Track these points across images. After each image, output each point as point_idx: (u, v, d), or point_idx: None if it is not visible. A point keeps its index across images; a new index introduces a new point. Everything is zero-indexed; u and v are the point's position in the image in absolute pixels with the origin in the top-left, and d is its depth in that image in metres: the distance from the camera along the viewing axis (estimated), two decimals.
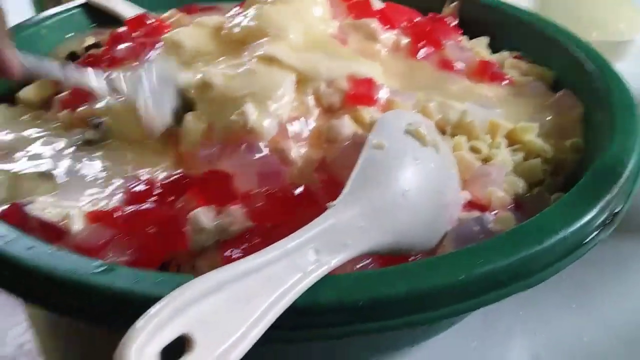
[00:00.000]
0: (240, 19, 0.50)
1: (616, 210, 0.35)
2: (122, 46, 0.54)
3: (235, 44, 0.49)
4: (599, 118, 0.44)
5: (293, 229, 0.31)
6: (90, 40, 0.61)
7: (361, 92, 0.43)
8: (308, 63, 0.44)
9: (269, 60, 0.44)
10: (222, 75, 0.43)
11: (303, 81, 0.43)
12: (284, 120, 0.41)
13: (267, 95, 0.41)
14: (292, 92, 0.42)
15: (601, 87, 0.46)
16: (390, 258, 0.34)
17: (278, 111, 0.40)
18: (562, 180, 0.43)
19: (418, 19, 0.58)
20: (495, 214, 0.39)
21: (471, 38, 0.60)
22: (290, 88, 0.42)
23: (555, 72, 0.53)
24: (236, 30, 0.49)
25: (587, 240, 0.34)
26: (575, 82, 0.50)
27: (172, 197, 0.37)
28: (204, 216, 0.36)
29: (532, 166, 0.43)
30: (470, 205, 0.39)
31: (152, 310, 0.23)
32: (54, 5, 0.67)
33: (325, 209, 0.32)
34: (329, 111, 0.43)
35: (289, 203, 0.37)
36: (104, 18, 0.65)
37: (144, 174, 0.40)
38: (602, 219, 0.34)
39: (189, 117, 0.43)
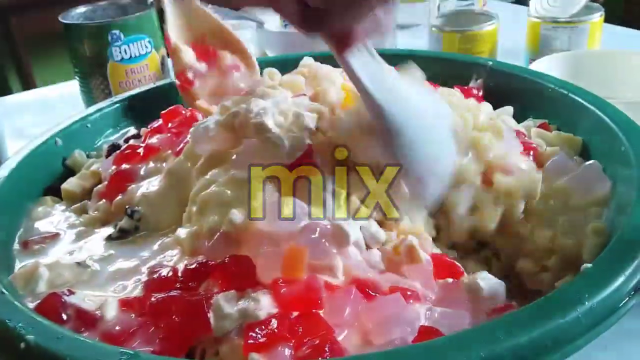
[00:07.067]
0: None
1: None
2: (158, 137, 0.57)
3: None
4: (623, 189, 0.44)
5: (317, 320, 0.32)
6: (131, 132, 0.65)
7: None
8: None
9: None
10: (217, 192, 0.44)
11: None
12: None
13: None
14: None
15: (628, 152, 0.45)
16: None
17: None
18: None
19: None
20: None
21: (496, 107, 0.60)
22: None
23: (582, 137, 0.53)
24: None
25: (617, 309, 0.33)
26: (602, 146, 0.50)
27: (195, 283, 0.38)
28: (226, 301, 0.36)
29: None
30: None
31: None
32: (104, 99, 0.71)
33: None
34: None
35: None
36: (144, 110, 0.69)
37: (170, 261, 0.41)
38: (630, 286, 0.33)
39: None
